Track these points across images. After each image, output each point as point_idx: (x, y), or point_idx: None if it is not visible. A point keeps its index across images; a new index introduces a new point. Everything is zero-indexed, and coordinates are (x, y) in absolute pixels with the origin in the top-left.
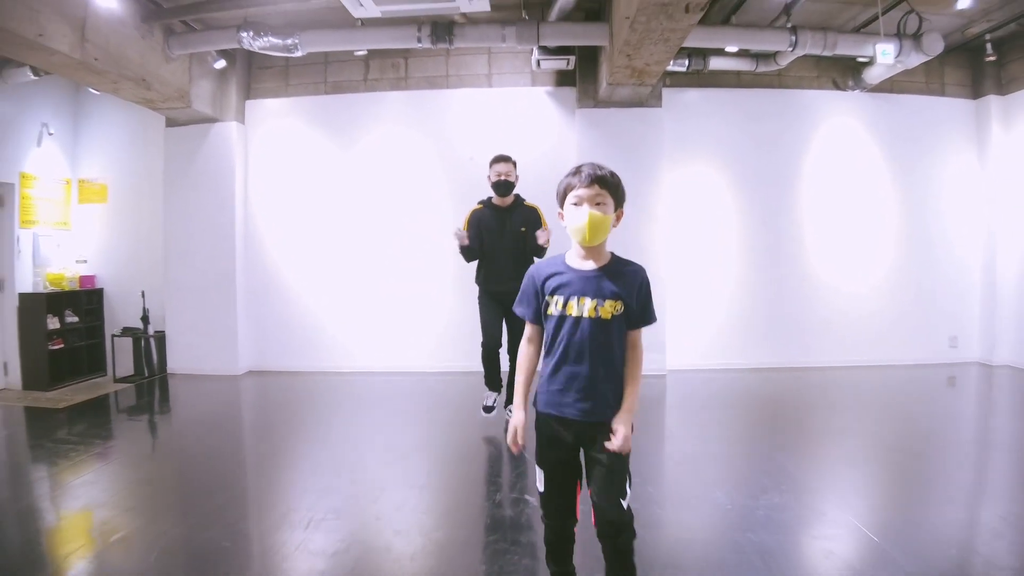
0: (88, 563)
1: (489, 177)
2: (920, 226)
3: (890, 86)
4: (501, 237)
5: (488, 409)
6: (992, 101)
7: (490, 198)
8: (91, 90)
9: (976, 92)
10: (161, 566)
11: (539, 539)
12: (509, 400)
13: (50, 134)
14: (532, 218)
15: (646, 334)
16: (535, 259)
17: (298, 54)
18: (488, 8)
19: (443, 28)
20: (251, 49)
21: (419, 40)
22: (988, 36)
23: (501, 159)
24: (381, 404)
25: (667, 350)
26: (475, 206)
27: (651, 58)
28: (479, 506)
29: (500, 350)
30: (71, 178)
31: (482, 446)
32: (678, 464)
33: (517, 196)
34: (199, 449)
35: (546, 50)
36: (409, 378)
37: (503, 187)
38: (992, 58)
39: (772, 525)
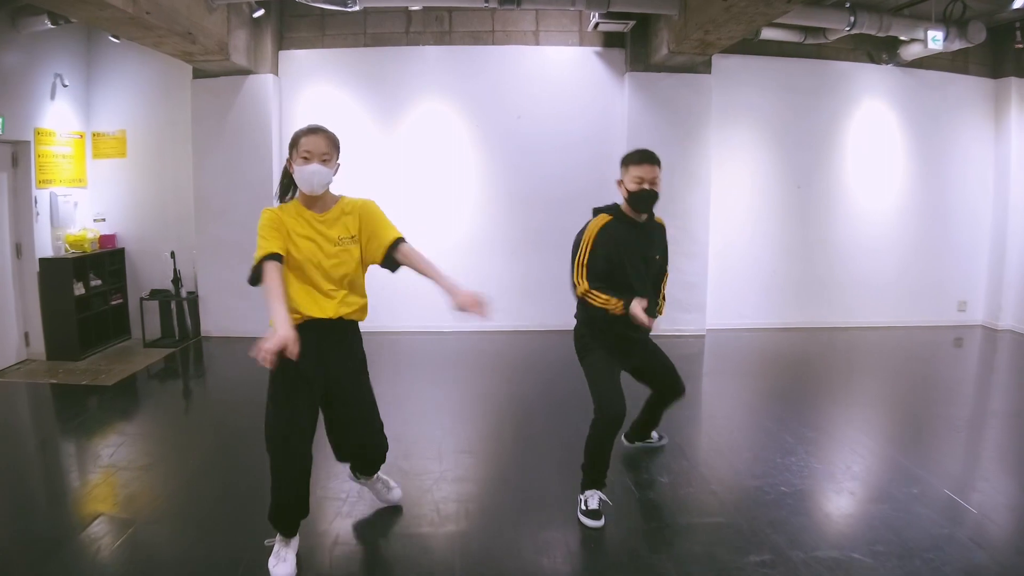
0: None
1: (622, 182)
2: (937, 197)
3: (919, 62)
4: (645, 263)
5: (594, 515)
6: (1012, 82)
7: (616, 205)
8: (111, 39)
9: (996, 72)
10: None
11: None
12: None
13: (64, 85)
14: (662, 241)
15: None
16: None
17: (355, 8)
18: None
19: None
20: (302, 0)
21: (487, 1)
22: (1018, 24)
23: (644, 158)
24: (420, 362)
25: (707, 310)
26: (597, 217)
27: (727, 34)
28: None
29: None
30: (84, 132)
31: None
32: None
33: None
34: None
35: (607, 13)
36: (444, 337)
37: (644, 200)
38: (1021, 45)
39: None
